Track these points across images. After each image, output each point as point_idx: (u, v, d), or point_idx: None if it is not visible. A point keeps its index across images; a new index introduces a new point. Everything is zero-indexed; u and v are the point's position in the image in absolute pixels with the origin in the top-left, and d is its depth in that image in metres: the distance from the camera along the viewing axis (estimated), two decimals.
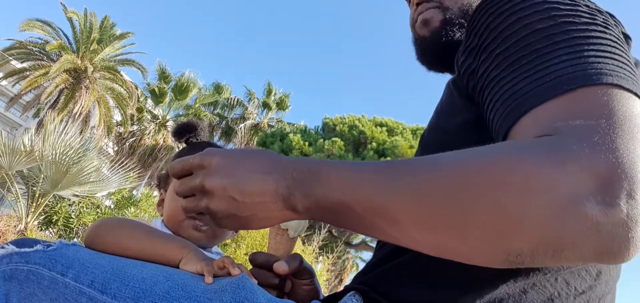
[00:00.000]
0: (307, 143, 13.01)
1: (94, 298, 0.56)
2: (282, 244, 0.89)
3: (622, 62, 0.45)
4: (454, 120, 0.61)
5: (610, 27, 0.49)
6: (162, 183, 1.01)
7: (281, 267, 0.64)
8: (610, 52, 0.46)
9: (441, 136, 0.63)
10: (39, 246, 0.65)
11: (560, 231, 0.37)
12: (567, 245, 0.37)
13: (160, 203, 0.98)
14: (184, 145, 1.03)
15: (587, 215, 0.36)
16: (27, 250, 0.64)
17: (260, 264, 0.68)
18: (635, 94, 0.43)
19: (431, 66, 0.82)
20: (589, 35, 0.46)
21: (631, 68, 0.46)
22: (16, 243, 0.67)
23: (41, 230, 7.67)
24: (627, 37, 0.53)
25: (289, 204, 0.49)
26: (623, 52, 0.47)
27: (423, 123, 13.17)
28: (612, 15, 0.52)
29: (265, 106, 22.03)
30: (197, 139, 1.02)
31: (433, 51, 0.77)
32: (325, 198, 0.47)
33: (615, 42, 0.47)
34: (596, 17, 0.49)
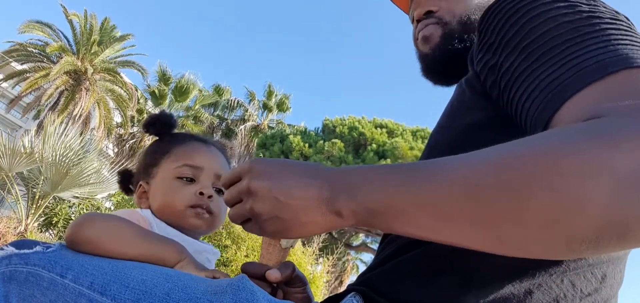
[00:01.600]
0: (307, 145, 13.02)
1: (94, 300, 0.56)
2: (274, 254, 0.90)
3: None
4: (466, 119, 0.61)
5: (632, 26, 0.49)
6: (142, 175, 0.95)
7: (274, 275, 0.65)
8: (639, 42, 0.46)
9: (453, 134, 0.63)
10: (38, 248, 0.65)
11: (624, 211, 0.36)
12: (633, 225, 0.36)
13: (142, 195, 0.92)
14: (155, 138, 0.98)
15: None
16: (26, 251, 0.64)
17: (253, 274, 0.67)
18: None
19: (436, 80, 0.84)
20: (617, 27, 0.47)
21: None
22: (16, 244, 0.67)
23: (41, 231, 7.67)
24: None
25: (334, 208, 0.49)
26: None
27: (423, 124, 13.17)
28: (628, 19, 0.53)
29: (266, 107, 22.04)
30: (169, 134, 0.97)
31: (436, 66, 0.79)
32: (371, 200, 0.46)
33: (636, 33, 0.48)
34: (618, 15, 0.49)
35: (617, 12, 0.51)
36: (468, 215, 0.41)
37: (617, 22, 0.48)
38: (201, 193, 0.85)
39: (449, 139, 0.63)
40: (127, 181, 1.01)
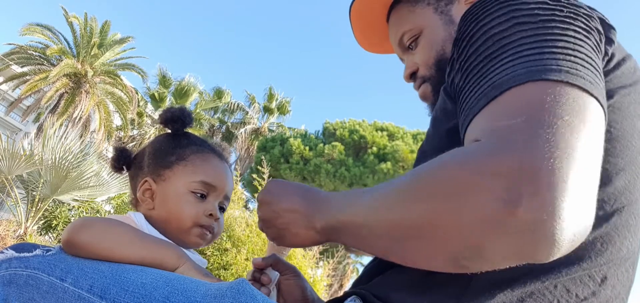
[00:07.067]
0: (307, 148, 13.02)
1: None
2: (272, 251, 1.01)
3: (569, 55, 0.44)
4: (446, 125, 0.62)
5: (572, 20, 0.48)
6: (150, 172, 0.88)
7: (257, 262, 0.78)
8: (557, 46, 0.45)
9: (437, 141, 0.64)
10: (38, 251, 0.65)
11: (474, 235, 0.38)
12: (484, 248, 0.38)
13: (147, 192, 0.86)
14: (167, 131, 0.94)
15: (493, 218, 0.37)
16: (26, 254, 0.64)
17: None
18: (570, 84, 0.42)
19: None
20: (539, 34, 0.47)
21: (580, 60, 0.45)
22: (15, 248, 0.67)
23: (41, 234, 7.66)
24: (608, 27, 0.52)
25: (311, 224, 0.59)
26: (578, 44, 0.46)
27: (424, 127, 13.14)
28: (590, 8, 0.52)
29: (266, 110, 22.06)
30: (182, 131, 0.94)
31: None
32: (332, 218, 0.56)
33: (572, 35, 0.47)
34: (556, 13, 0.48)
35: (566, 6, 0.49)
36: (381, 230, 0.48)
37: (547, 23, 0.47)
38: (211, 215, 0.84)
39: (434, 145, 0.64)
40: (123, 161, 0.95)
